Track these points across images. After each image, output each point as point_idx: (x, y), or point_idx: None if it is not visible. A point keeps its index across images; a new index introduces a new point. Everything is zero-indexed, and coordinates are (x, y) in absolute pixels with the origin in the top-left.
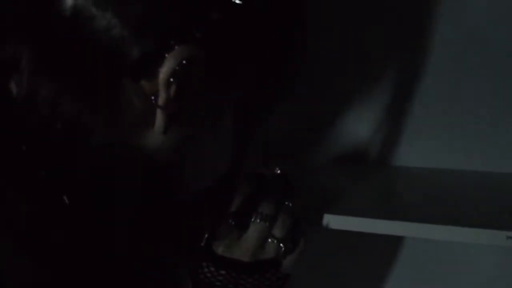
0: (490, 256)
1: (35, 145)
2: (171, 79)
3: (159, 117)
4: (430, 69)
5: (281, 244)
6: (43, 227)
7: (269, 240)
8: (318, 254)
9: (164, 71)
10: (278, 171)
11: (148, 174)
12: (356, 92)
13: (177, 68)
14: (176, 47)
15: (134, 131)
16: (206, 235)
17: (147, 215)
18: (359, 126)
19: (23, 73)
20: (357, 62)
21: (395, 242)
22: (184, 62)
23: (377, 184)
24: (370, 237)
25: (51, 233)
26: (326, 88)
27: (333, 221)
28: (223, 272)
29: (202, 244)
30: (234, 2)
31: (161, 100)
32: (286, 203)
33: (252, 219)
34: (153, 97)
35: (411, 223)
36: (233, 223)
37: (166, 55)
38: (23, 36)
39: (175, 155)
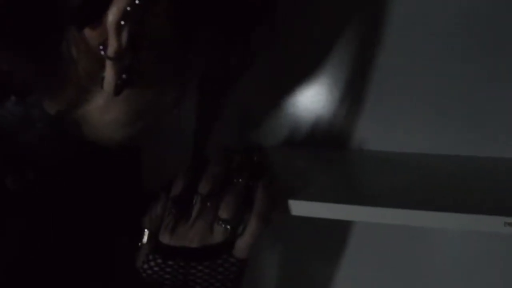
0: (458, 240)
1: None
2: (122, 22)
3: (109, 72)
4: (394, 44)
5: (228, 226)
6: None
7: (216, 223)
8: (281, 239)
9: (113, 12)
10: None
11: (102, 161)
12: (316, 71)
13: (128, 8)
14: None
15: (77, 96)
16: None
17: (100, 205)
18: (318, 108)
19: None
20: (317, 40)
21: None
22: (137, 1)
23: (342, 169)
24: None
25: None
26: (287, 67)
27: (298, 207)
28: (170, 262)
29: (144, 238)
30: None
31: (111, 49)
32: (235, 180)
33: (194, 202)
34: (101, 47)
35: (392, 209)
36: (173, 209)
37: None
38: None
39: (130, 135)
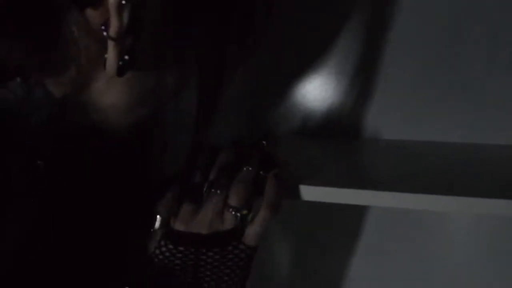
0: (463, 225)
1: None
2: (123, 2)
3: (111, 53)
4: (404, 33)
5: (238, 214)
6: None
7: (226, 210)
8: (292, 226)
9: None
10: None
11: (105, 146)
12: (326, 60)
13: None
14: None
15: (79, 78)
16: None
17: (108, 191)
18: (329, 97)
19: None
20: (326, 28)
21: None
22: None
23: (353, 157)
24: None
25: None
26: (297, 56)
27: (309, 192)
28: (181, 248)
29: (156, 224)
30: None
31: (112, 29)
32: (245, 168)
33: (204, 189)
34: (103, 27)
35: (403, 194)
36: (184, 196)
37: None
38: None
39: (133, 119)
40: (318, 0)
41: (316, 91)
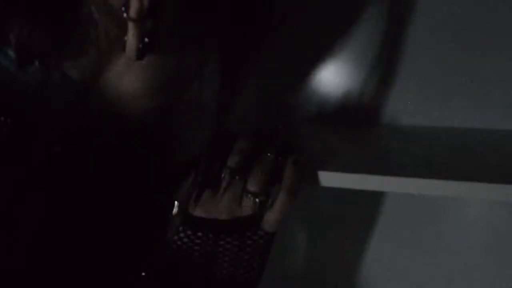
0: (478, 211)
1: None
2: None
3: (131, 35)
4: (421, 19)
5: (256, 199)
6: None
7: (244, 196)
8: (310, 213)
9: None
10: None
11: (126, 131)
12: (343, 46)
13: None
14: None
15: (99, 61)
16: (180, 199)
17: (131, 179)
18: (346, 83)
19: None
20: (344, 14)
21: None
22: None
23: (370, 143)
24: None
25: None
26: (312, 49)
27: (327, 178)
28: (200, 234)
29: (175, 210)
30: None
31: (132, 10)
32: (263, 154)
33: (222, 175)
34: (123, 8)
35: (420, 179)
36: (202, 182)
37: None
38: None
39: (153, 104)
40: None
41: (335, 76)
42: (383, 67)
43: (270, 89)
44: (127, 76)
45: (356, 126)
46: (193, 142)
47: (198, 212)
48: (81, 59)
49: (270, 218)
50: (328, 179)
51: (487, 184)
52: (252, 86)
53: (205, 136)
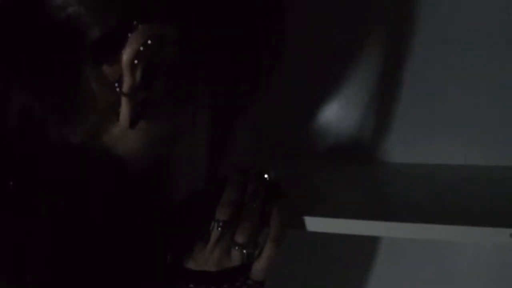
0: (475, 254)
1: None
2: (136, 61)
3: (124, 107)
4: (419, 60)
5: (244, 250)
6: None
7: (233, 248)
8: (299, 257)
9: (127, 52)
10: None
11: (122, 183)
12: (341, 86)
13: (141, 48)
14: (139, 25)
15: (96, 127)
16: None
17: (121, 225)
18: (345, 121)
19: None
20: (340, 52)
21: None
22: (149, 42)
23: (364, 182)
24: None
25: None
26: (308, 82)
27: (313, 223)
28: (191, 286)
29: (168, 260)
30: None
31: (125, 86)
32: (251, 204)
33: (211, 228)
34: (116, 84)
35: (406, 224)
36: (193, 236)
37: (129, 35)
38: None
39: (148, 159)
40: (331, 25)
41: (329, 113)
42: (379, 107)
43: (264, 125)
44: (123, 138)
45: (349, 163)
46: (186, 187)
47: (190, 265)
48: (80, 126)
49: (258, 268)
50: (314, 224)
51: (479, 228)
52: (246, 123)
53: (198, 180)
